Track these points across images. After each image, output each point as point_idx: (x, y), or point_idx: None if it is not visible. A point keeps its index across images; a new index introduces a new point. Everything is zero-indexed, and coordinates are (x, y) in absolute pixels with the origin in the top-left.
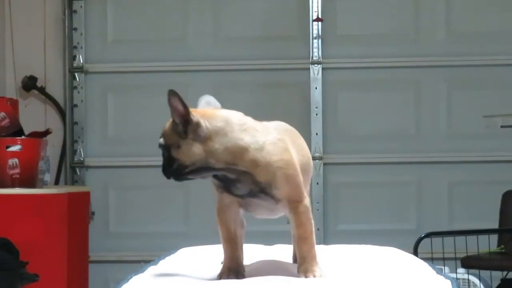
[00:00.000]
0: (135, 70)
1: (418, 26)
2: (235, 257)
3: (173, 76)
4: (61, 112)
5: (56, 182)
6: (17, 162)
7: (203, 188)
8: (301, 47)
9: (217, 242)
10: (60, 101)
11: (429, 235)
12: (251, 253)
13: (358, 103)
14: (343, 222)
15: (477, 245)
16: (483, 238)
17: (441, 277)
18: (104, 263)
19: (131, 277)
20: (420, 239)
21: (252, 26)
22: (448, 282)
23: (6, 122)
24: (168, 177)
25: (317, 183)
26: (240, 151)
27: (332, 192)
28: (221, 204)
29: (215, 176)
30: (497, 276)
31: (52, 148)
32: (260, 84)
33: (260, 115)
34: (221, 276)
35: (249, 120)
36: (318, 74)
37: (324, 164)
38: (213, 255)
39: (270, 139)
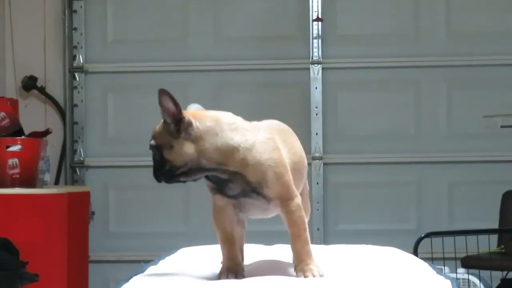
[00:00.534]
0: (135, 70)
1: (418, 26)
2: (233, 257)
3: (173, 76)
4: (61, 112)
5: (56, 182)
6: (17, 162)
7: (203, 188)
8: (301, 47)
9: (217, 242)
10: (60, 101)
11: (429, 235)
12: (251, 253)
13: (358, 103)
14: (343, 222)
15: (477, 245)
16: (483, 238)
17: (441, 277)
18: (104, 263)
19: (131, 277)
20: (420, 239)
21: (252, 26)
22: (448, 282)
23: (6, 122)
24: (159, 180)
25: (317, 183)
26: (230, 151)
27: (332, 192)
28: (215, 205)
29: (207, 177)
30: (497, 276)
31: (52, 148)
32: (260, 84)
33: (260, 115)
34: (220, 276)
35: (239, 120)
36: (318, 74)
37: (324, 164)
38: (212, 255)
39: (260, 138)
